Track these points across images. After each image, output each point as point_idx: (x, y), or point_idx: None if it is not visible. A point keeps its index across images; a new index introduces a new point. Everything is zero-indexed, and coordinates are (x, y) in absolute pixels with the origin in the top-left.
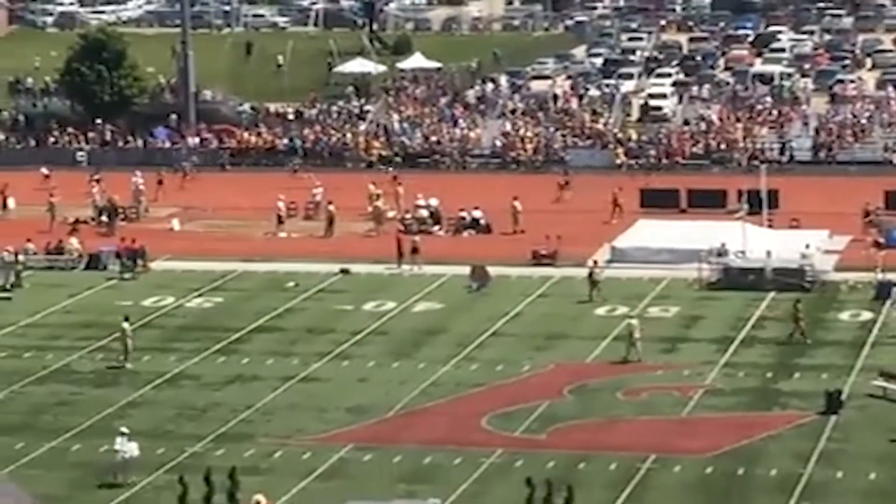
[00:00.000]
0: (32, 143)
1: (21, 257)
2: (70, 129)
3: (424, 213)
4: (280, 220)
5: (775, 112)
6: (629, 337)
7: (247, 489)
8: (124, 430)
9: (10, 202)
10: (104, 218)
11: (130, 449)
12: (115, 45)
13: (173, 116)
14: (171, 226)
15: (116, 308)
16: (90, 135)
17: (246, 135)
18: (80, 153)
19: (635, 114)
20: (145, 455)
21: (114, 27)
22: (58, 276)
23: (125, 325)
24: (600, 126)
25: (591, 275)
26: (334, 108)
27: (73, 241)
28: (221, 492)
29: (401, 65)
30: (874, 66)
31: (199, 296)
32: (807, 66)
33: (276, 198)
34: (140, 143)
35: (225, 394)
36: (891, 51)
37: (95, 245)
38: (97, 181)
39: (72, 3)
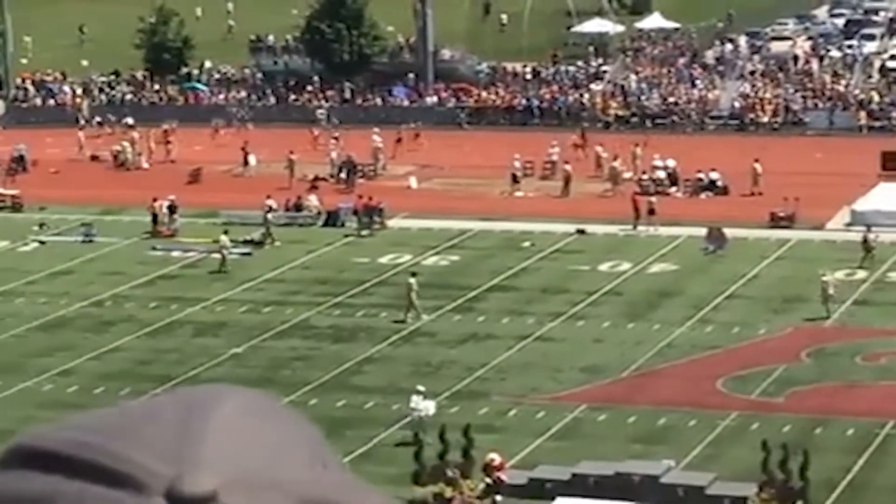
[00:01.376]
0: (272, 100)
1: (270, 216)
2: (309, 87)
3: (661, 174)
4: (515, 180)
5: None
6: (823, 293)
7: (481, 447)
8: (420, 388)
9: (252, 159)
10: (343, 175)
11: (426, 407)
12: (354, 3)
13: (411, 75)
14: (409, 184)
15: (353, 265)
16: (329, 93)
17: (483, 94)
18: (319, 111)
19: (877, 75)
20: (381, 411)
21: None
22: (297, 233)
23: (412, 280)
24: (841, 88)
25: (865, 240)
26: (571, 67)
27: (312, 198)
28: (456, 449)
29: (639, 24)
30: None
31: (436, 254)
32: None
33: (512, 157)
34: (378, 101)
35: (460, 352)
36: None
37: (334, 202)
38: (335, 139)
39: None
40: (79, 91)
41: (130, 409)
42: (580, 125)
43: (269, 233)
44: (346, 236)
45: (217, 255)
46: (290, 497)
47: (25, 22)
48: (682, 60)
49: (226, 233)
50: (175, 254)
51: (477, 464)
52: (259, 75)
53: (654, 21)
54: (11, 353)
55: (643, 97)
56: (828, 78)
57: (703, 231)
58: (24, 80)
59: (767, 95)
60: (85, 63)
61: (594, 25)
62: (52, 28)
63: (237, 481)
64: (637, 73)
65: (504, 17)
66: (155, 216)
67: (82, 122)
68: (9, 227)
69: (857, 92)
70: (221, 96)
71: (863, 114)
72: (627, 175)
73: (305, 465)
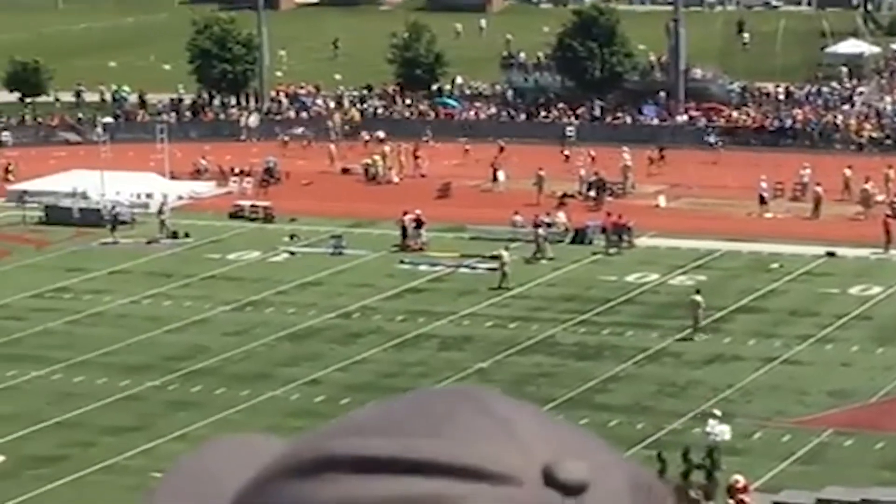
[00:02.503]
0: (522, 117)
1: (541, 231)
2: (560, 105)
3: None
4: (763, 201)
5: None
6: None
7: (725, 468)
8: (717, 412)
9: (500, 175)
10: (591, 193)
11: (722, 431)
12: (607, 21)
13: (662, 94)
14: (657, 202)
15: (600, 282)
16: (579, 110)
17: (734, 113)
18: (569, 128)
19: None
20: (625, 430)
21: (607, 4)
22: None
23: (697, 297)
24: None
25: None
26: (825, 88)
27: (561, 215)
28: (700, 469)
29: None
30: None
31: (683, 273)
32: None
33: (759, 178)
34: (628, 119)
35: (705, 372)
36: None
37: (582, 219)
38: (592, 158)
39: None
40: (331, 104)
41: (397, 409)
42: (661, 141)
43: (541, 248)
44: (594, 254)
45: (465, 270)
46: (626, 479)
47: (281, 35)
48: None
49: (506, 249)
50: (422, 267)
51: (721, 486)
52: (510, 92)
53: None
54: (260, 361)
55: None
56: None
57: None
58: (278, 93)
59: None
60: (338, 76)
61: (849, 46)
62: (307, 41)
63: (591, 464)
64: (892, 94)
65: (746, 36)
66: (404, 230)
67: (333, 135)
68: (260, 237)
69: None
70: (472, 112)
71: None
72: (880, 198)
73: (605, 448)
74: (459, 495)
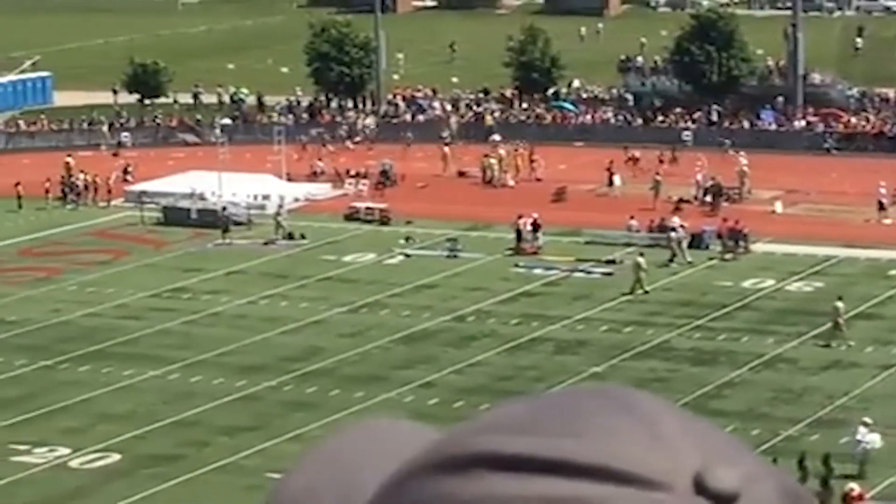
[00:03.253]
0: (639, 121)
1: (674, 234)
2: (677, 109)
3: None
4: (881, 207)
5: None
6: None
7: (841, 476)
8: (867, 420)
9: (616, 179)
10: (708, 198)
11: (873, 440)
12: (725, 25)
13: (780, 99)
14: (774, 208)
15: (716, 288)
16: (696, 115)
17: (853, 119)
18: (685, 132)
19: None
20: (739, 436)
21: (725, 8)
22: (660, 254)
23: (839, 304)
24: None
25: None
26: None
27: (676, 220)
28: (814, 477)
29: None
30: None
31: (800, 280)
32: None
33: (878, 184)
34: (745, 124)
35: (822, 379)
36: None
37: (698, 224)
38: (738, 160)
39: None
40: (448, 107)
41: (541, 407)
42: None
43: (676, 252)
44: (710, 259)
45: (580, 274)
46: (775, 488)
47: (398, 38)
48: None
49: (641, 255)
50: (537, 271)
51: (836, 493)
52: (629, 96)
53: None
54: (375, 363)
55: None
56: None
57: None
58: (395, 96)
59: None
60: (455, 80)
61: None
62: (424, 45)
63: (741, 472)
64: None
65: (859, 41)
66: (519, 233)
67: (448, 138)
68: (376, 239)
69: None
70: (588, 116)
71: None
72: None
73: (752, 454)
74: (603, 498)
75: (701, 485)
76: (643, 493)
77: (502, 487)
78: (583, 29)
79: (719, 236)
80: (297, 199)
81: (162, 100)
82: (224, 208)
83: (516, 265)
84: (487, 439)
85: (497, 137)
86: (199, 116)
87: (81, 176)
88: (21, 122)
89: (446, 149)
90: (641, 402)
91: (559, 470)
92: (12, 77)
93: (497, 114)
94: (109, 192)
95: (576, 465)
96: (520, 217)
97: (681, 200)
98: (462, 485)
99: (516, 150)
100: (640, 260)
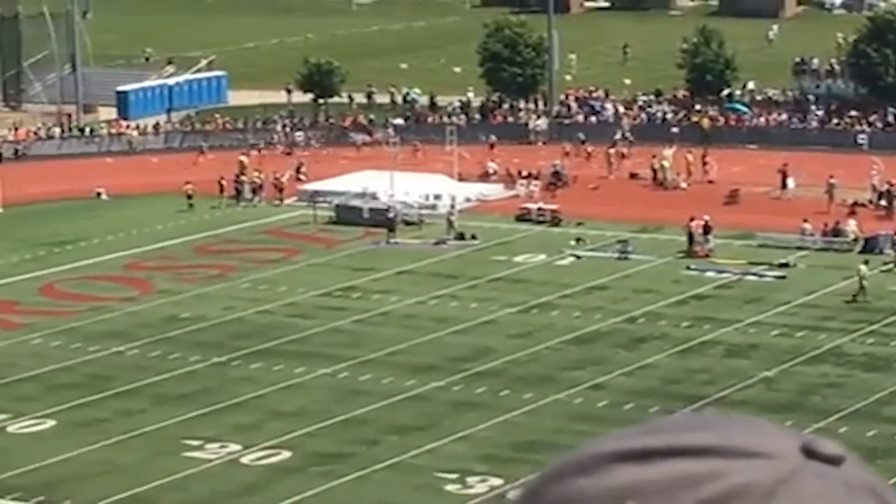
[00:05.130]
0: (814, 123)
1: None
2: (852, 112)
3: None
4: None
5: None
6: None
7: None
8: None
9: (790, 182)
10: (883, 202)
11: None
12: None
13: None
14: None
15: (890, 293)
16: (872, 117)
17: None
18: (860, 136)
19: None
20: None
21: None
22: (833, 258)
23: None
24: None
25: None
26: None
27: (851, 224)
28: None
29: None
30: None
31: None
32: None
33: None
34: None
35: None
36: None
37: (873, 228)
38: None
39: None
40: (621, 109)
41: (656, 421)
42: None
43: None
44: (885, 264)
45: (752, 277)
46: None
47: (571, 39)
48: None
49: (866, 262)
50: (709, 274)
51: None
52: (808, 98)
53: None
54: (545, 364)
55: None
56: None
57: None
58: (567, 97)
59: None
60: (627, 81)
61: None
62: (597, 45)
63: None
64: None
65: None
66: (691, 236)
67: (620, 139)
68: (547, 240)
69: None
70: (762, 118)
71: None
72: None
73: None
74: (733, 468)
75: (811, 451)
76: (764, 461)
77: (636, 475)
78: (774, 28)
79: (894, 243)
80: (468, 200)
81: (335, 99)
82: (391, 208)
83: (688, 268)
84: (613, 441)
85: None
86: (371, 116)
87: (255, 175)
88: (196, 122)
89: (613, 150)
90: (734, 415)
91: (686, 453)
92: (188, 76)
93: (670, 115)
94: (282, 190)
95: (699, 447)
96: (691, 219)
97: (855, 203)
98: (596, 479)
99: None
100: (863, 268)
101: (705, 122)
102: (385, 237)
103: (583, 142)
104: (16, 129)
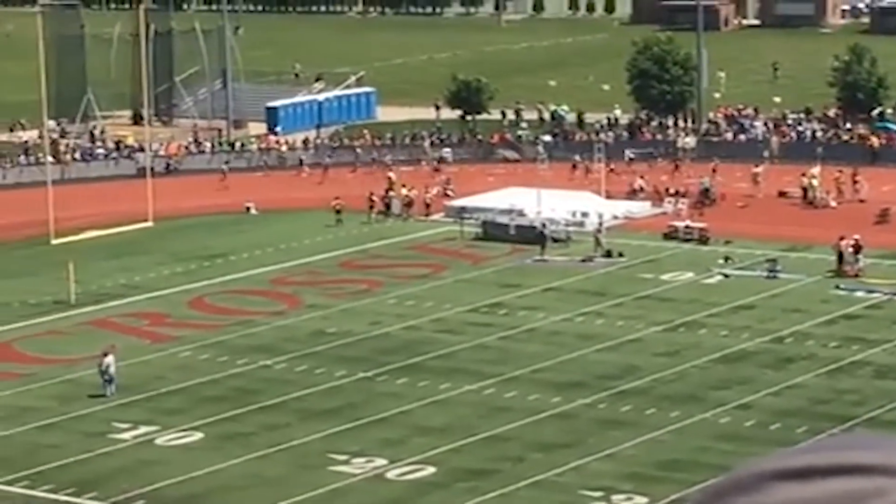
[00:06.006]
0: None
1: None
2: None
3: None
4: None
5: None
6: None
7: None
8: None
9: None
10: None
11: None
12: None
13: None
14: None
15: None
16: None
17: None
18: None
19: None
20: None
21: None
22: None
23: None
24: None
25: None
26: None
27: None
28: None
29: None
30: None
31: None
32: None
33: None
34: None
35: None
36: None
37: None
38: None
39: None
40: (770, 127)
41: (812, 443)
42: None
43: None
44: None
45: None
46: None
47: (720, 57)
48: None
49: None
50: (859, 294)
51: None
52: None
53: None
54: (692, 383)
55: None
56: None
57: None
58: (716, 115)
59: None
60: (777, 99)
61: None
62: (747, 63)
63: None
64: None
65: None
66: (840, 255)
67: (768, 158)
68: (694, 258)
69: None
70: None
71: None
72: None
73: None
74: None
75: None
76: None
77: (793, 493)
78: None
79: None
80: (615, 217)
81: (483, 116)
82: (543, 225)
83: (837, 287)
84: (773, 461)
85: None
86: (519, 133)
87: (403, 191)
88: (344, 137)
89: (759, 168)
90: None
91: (849, 471)
92: (337, 92)
93: (819, 134)
94: (429, 206)
95: (863, 466)
96: (841, 238)
97: None
98: (752, 499)
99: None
100: None
101: (874, 141)
102: (538, 253)
103: (631, 159)
104: (167, 144)
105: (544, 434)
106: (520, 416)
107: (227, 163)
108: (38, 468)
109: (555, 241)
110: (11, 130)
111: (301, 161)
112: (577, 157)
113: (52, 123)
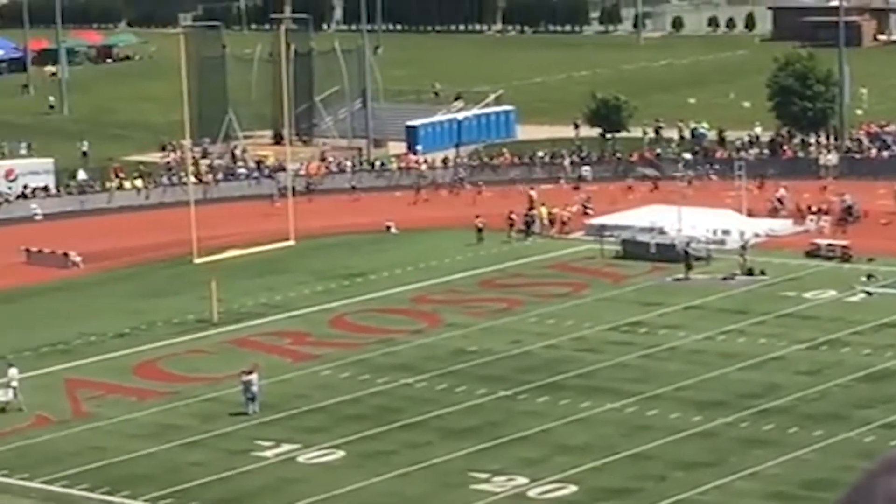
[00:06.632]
0: None
1: None
2: None
3: None
4: None
5: None
6: None
7: None
8: None
9: None
10: None
11: None
12: None
13: None
14: None
15: None
16: None
17: None
18: None
19: None
20: None
21: None
22: None
23: None
24: None
25: None
26: None
27: None
28: None
29: None
30: None
31: None
32: None
33: None
34: None
35: None
36: None
37: None
38: None
39: None
40: None
41: None
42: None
43: None
44: None
45: None
46: None
47: (862, 73)
48: None
49: None
50: None
51: None
52: None
53: None
54: (835, 402)
55: None
56: None
57: None
58: (858, 132)
59: None
60: None
61: None
62: (889, 79)
63: None
64: None
65: None
66: None
67: None
68: (837, 276)
69: None
70: None
71: None
72: None
73: None
74: None
75: None
76: None
77: None
78: None
79: None
80: (757, 235)
81: (623, 134)
82: (687, 243)
83: None
84: None
85: None
86: (659, 150)
87: (543, 209)
88: (484, 156)
89: None
90: None
91: None
92: (476, 111)
93: None
94: (566, 224)
95: None
96: None
97: None
98: None
99: None
100: None
101: None
102: (682, 272)
103: (646, 176)
104: (307, 164)
105: (686, 453)
106: (661, 434)
107: (354, 183)
108: (182, 486)
109: (696, 259)
110: (164, 149)
111: (462, 179)
112: (690, 173)
113: (189, 143)
